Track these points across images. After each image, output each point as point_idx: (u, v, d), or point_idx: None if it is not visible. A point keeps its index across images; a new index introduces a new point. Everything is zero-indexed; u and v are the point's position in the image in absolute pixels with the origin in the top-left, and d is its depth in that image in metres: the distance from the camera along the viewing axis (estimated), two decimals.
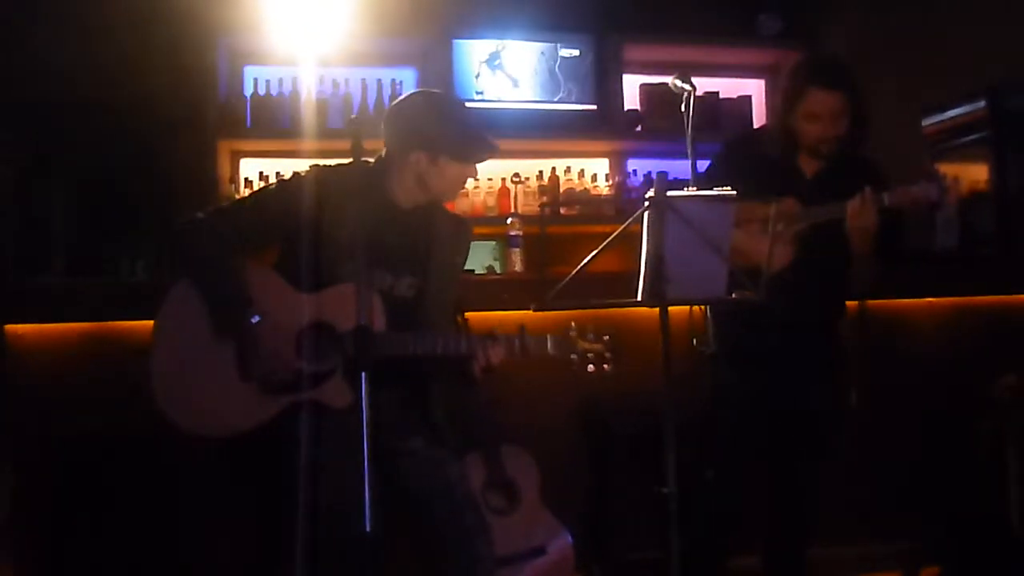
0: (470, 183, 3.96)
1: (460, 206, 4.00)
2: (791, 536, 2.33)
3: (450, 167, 1.97)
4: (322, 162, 2.03)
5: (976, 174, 3.56)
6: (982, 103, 3.48)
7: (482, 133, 2.00)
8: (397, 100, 2.06)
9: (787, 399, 2.23)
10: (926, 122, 3.77)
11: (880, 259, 2.20)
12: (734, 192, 1.72)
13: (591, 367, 1.98)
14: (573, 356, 1.98)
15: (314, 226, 1.90)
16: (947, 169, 3.73)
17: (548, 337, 1.99)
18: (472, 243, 2.19)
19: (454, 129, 1.96)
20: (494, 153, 1.99)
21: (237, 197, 2.02)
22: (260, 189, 2.01)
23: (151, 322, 1.90)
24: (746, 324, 2.19)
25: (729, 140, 2.47)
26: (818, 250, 2.14)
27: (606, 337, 1.99)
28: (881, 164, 2.31)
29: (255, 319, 1.84)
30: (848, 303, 2.44)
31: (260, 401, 1.85)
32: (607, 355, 1.98)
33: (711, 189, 1.78)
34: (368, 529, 1.50)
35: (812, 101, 2.15)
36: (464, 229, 2.19)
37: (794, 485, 2.32)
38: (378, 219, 1.92)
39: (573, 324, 2.00)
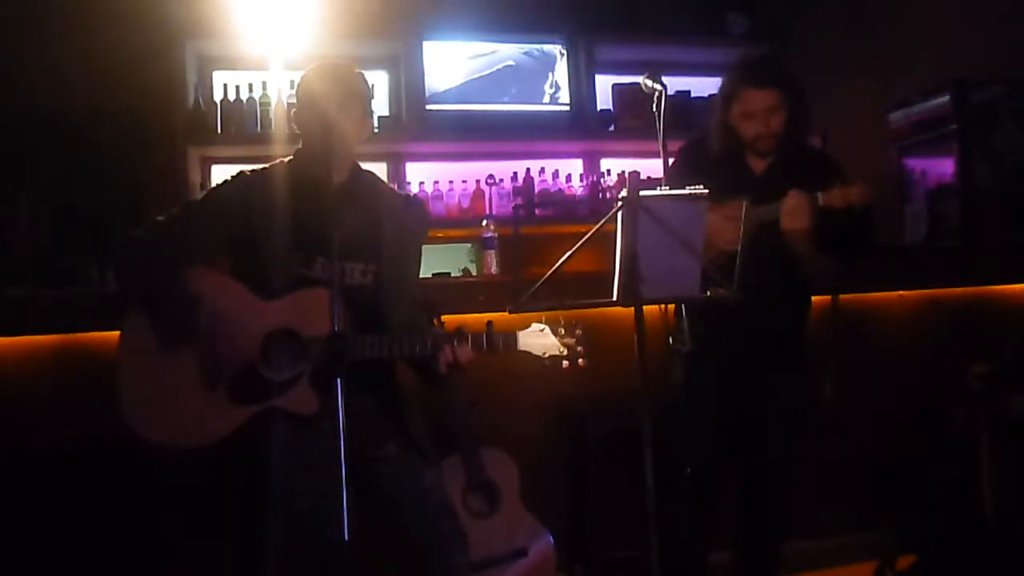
0: (444, 185, 4.06)
1: (435, 208, 4.00)
2: (761, 533, 2.34)
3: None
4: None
5: (943, 168, 3.62)
6: (947, 97, 3.53)
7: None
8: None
9: (755, 399, 2.25)
10: (892, 117, 3.83)
11: (834, 257, 2.20)
12: (706, 191, 1.73)
13: (566, 363, 1.90)
14: (544, 353, 1.91)
15: (254, 225, 1.88)
16: (914, 163, 3.78)
17: (518, 333, 1.92)
18: (444, 245, 2.15)
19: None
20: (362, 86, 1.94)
21: (179, 207, 1.96)
22: (198, 198, 1.96)
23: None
24: (711, 323, 2.18)
25: (687, 141, 2.47)
26: (767, 248, 2.12)
27: (579, 331, 1.92)
28: (836, 160, 2.31)
29: (205, 323, 1.80)
30: (817, 297, 2.45)
31: (227, 410, 1.82)
32: (579, 349, 1.90)
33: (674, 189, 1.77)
34: (346, 538, 1.48)
35: (745, 100, 2.20)
36: (415, 206, 2.14)
37: (764, 484, 2.32)
38: (310, 204, 1.85)
39: (543, 320, 1.94)
